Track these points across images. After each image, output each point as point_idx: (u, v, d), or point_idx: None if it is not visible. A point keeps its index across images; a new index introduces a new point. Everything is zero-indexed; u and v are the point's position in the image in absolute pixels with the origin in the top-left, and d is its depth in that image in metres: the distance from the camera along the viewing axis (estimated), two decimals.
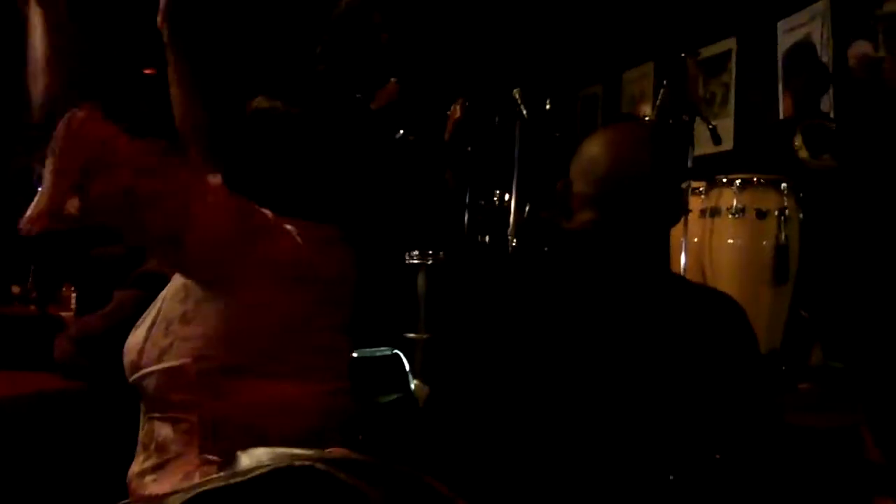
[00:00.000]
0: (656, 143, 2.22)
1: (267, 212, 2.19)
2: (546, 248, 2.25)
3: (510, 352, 2.03)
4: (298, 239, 2.18)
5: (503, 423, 1.99)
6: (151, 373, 2.12)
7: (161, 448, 2.11)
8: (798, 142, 5.01)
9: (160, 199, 1.96)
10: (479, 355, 2.10)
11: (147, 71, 2.58)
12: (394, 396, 3.67)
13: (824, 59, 5.68)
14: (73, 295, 4.83)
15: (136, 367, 2.16)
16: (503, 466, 1.95)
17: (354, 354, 3.57)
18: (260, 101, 2.30)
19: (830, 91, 5.59)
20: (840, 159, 4.91)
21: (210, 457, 2.05)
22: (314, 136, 2.28)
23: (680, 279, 2.40)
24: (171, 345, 2.11)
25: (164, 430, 2.11)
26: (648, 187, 2.15)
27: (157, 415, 2.14)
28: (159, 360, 2.11)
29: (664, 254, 2.34)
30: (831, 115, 5.52)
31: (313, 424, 2.14)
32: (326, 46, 5.02)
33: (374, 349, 3.79)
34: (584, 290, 2.06)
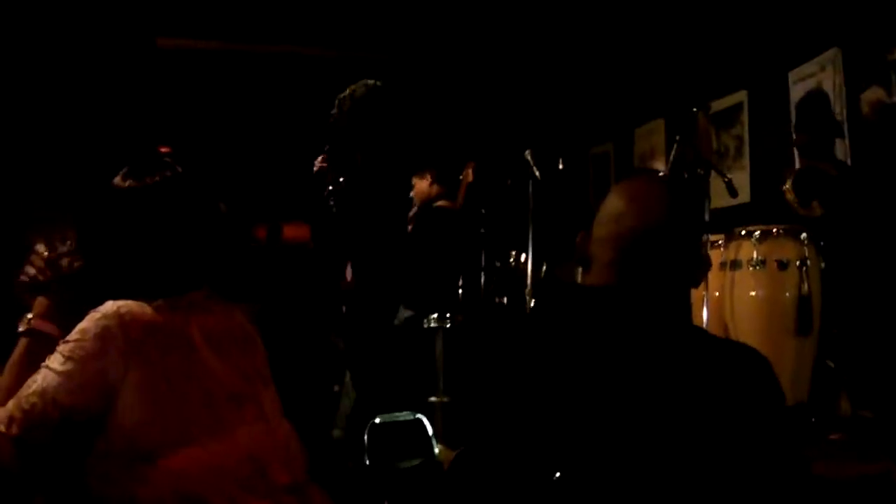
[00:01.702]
0: (674, 196, 2.19)
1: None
2: (565, 306, 2.20)
3: (536, 412, 1.99)
4: (174, 316, 2.24)
5: (530, 485, 1.94)
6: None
7: None
8: (787, 185, 4.98)
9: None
10: (504, 417, 2.06)
11: (162, 149, 2.57)
12: (416, 461, 3.61)
13: (837, 107, 5.67)
14: None
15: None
16: None
17: (377, 420, 3.52)
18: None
19: (846, 138, 5.57)
20: (833, 206, 4.88)
21: None
22: (151, 208, 2.33)
23: (703, 333, 2.36)
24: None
25: None
26: (668, 239, 2.12)
27: None
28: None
29: (686, 308, 2.29)
30: (848, 161, 5.49)
31: (245, 472, 2.18)
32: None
33: (395, 414, 3.75)
34: (606, 347, 2.02)
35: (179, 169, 2.38)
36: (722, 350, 2.11)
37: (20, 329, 2.34)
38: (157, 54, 8.48)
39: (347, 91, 5.15)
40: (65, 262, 2.43)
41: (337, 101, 5.14)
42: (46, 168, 7.87)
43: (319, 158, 5.18)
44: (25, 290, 2.44)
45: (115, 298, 2.21)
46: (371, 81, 5.18)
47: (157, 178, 2.35)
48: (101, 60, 8.19)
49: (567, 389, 1.97)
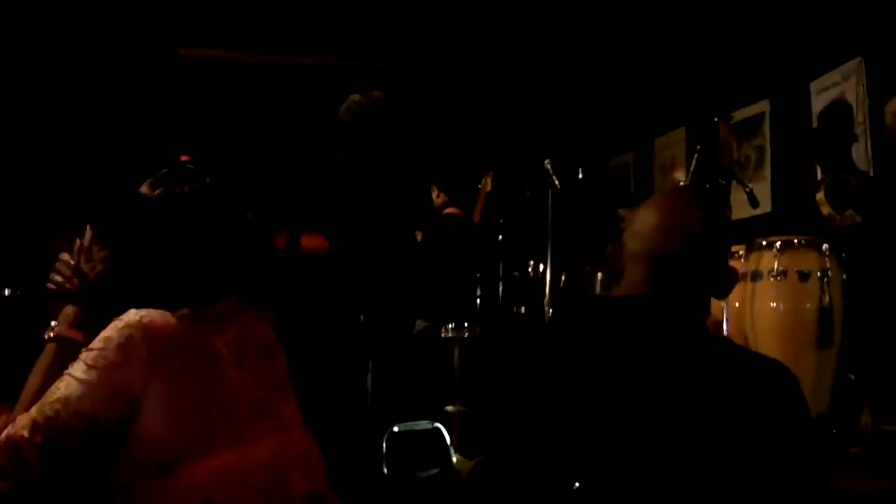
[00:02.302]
0: (708, 212, 2.19)
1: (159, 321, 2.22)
2: (591, 317, 2.20)
3: (558, 422, 1.98)
4: (196, 327, 2.26)
5: (550, 495, 1.93)
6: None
7: None
8: (821, 196, 4.96)
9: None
10: (525, 427, 2.06)
11: (183, 158, 2.58)
12: (435, 471, 3.61)
13: (860, 117, 5.64)
14: None
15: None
16: None
17: (395, 429, 3.51)
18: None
19: (868, 148, 5.54)
20: (866, 214, 4.85)
21: None
22: (177, 218, 2.35)
23: (728, 343, 2.35)
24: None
25: None
26: (702, 254, 2.11)
27: None
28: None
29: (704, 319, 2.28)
30: (870, 172, 5.46)
31: (265, 481, 2.19)
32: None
33: (413, 423, 3.75)
34: (634, 358, 2.02)
35: (208, 178, 2.39)
36: (748, 362, 2.11)
37: (46, 336, 2.35)
38: (179, 64, 8.50)
39: (344, 104, 5.20)
40: (87, 268, 2.44)
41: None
42: (67, 176, 7.90)
43: None
44: (53, 298, 2.45)
45: (140, 307, 2.21)
46: (373, 93, 5.21)
47: (186, 188, 2.36)
48: (123, 69, 8.22)
49: (592, 399, 1.97)
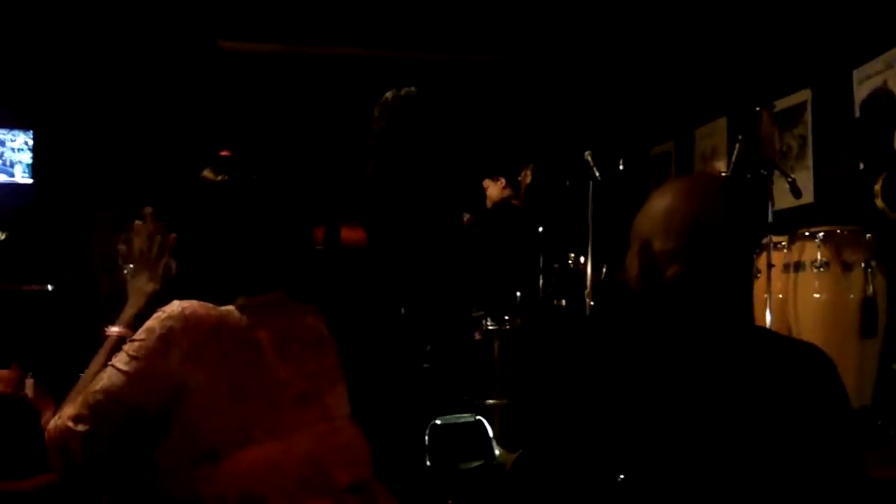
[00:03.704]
0: (728, 191, 2.17)
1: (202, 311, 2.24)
2: (632, 307, 2.19)
3: (602, 414, 1.98)
4: (241, 318, 2.27)
5: (594, 487, 1.93)
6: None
7: None
8: (878, 188, 4.91)
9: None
10: (569, 419, 2.05)
11: (223, 152, 2.59)
12: (477, 463, 3.61)
13: None
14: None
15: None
16: None
17: (438, 421, 3.51)
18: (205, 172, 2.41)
19: None
20: None
21: None
22: (241, 204, 2.37)
23: (768, 332, 2.34)
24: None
25: None
26: (729, 234, 2.09)
27: None
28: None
29: (750, 307, 2.27)
30: None
31: (307, 472, 2.21)
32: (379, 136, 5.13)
33: (456, 415, 3.75)
34: (677, 346, 2.01)
35: (270, 166, 2.41)
36: (789, 348, 2.10)
37: (105, 334, 2.38)
38: (219, 56, 8.54)
39: (382, 98, 5.21)
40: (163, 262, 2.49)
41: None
42: (109, 171, 7.96)
43: None
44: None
45: (192, 294, 2.23)
46: (408, 89, 5.22)
47: (251, 175, 2.38)
48: (163, 62, 8.26)
49: (633, 390, 1.96)
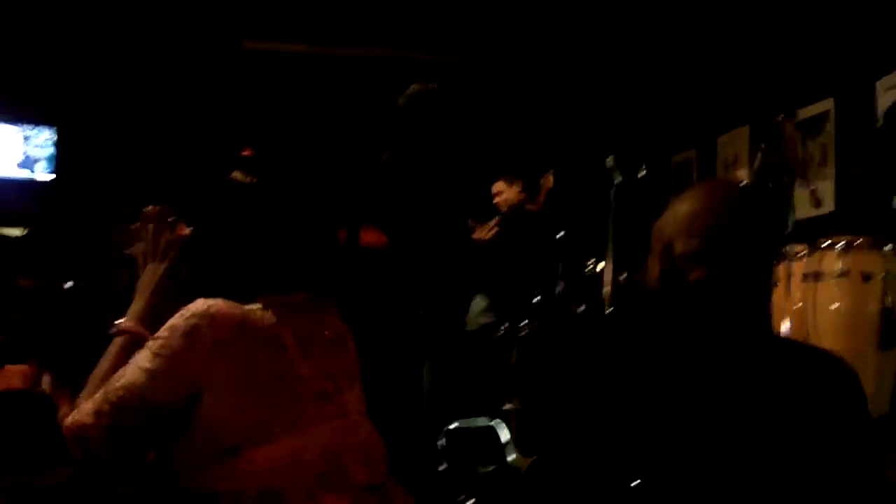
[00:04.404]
0: (750, 197, 2.18)
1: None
2: (651, 312, 2.19)
3: (622, 417, 1.99)
4: (264, 316, 2.29)
5: (610, 491, 1.93)
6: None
7: None
8: None
9: None
10: (587, 423, 2.06)
11: (245, 152, 2.62)
12: (491, 467, 3.61)
13: None
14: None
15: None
16: None
17: (453, 425, 3.51)
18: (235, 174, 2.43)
19: None
20: None
21: None
22: (271, 205, 2.42)
23: (789, 339, 2.35)
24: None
25: None
26: (751, 239, 2.10)
27: None
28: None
29: (769, 314, 2.27)
30: None
31: (325, 468, 2.24)
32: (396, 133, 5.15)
33: (471, 419, 3.75)
34: (698, 351, 2.02)
35: (299, 168, 2.44)
36: (810, 357, 2.10)
37: (113, 331, 2.39)
38: (243, 56, 8.56)
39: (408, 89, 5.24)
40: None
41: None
42: (129, 168, 7.99)
43: None
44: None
45: (215, 293, 2.25)
46: (431, 84, 5.24)
47: (281, 176, 2.41)
48: (187, 61, 8.29)
49: (651, 396, 1.97)
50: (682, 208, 2.16)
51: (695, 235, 2.09)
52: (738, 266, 2.08)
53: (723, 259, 2.07)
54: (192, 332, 2.18)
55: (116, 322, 2.40)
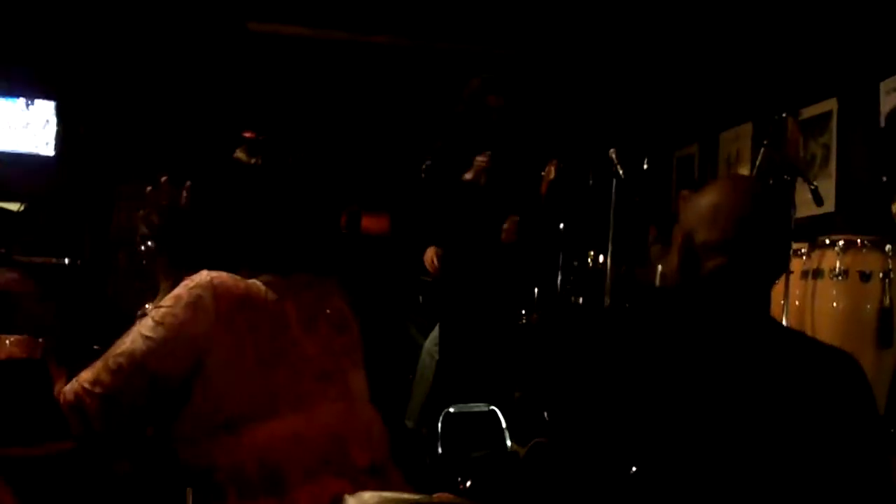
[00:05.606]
0: (771, 192, 2.21)
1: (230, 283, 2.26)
2: (652, 304, 2.21)
3: (619, 407, 2.00)
4: (267, 292, 2.29)
5: (608, 478, 1.95)
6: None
7: None
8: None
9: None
10: (585, 411, 2.07)
11: (246, 134, 2.62)
12: (487, 452, 3.63)
13: None
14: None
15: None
16: None
17: (451, 409, 3.52)
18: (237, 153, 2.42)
19: None
20: None
21: None
22: (275, 186, 2.39)
23: (790, 331, 2.36)
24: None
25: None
26: (772, 232, 2.12)
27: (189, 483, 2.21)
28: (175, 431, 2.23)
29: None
30: None
31: (326, 447, 2.23)
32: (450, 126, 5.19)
33: (469, 405, 3.76)
34: (708, 340, 2.03)
35: (303, 150, 2.44)
36: (818, 350, 2.12)
37: (139, 314, 2.38)
38: (248, 38, 8.55)
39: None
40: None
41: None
42: (131, 148, 7.98)
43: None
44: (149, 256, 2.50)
45: (217, 268, 2.25)
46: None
47: (285, 158, 2.40)
48: (191, 42, 8.28)
49: (650, 386, 1.98)
50: (704, 201, 2.17)
51: (718, 226, 2.10)
52: (758, 257, 2.09)
53: (744, 249, 2.08)
54: (195, 303, 2.17)
55: (146, 306, 2.40)
